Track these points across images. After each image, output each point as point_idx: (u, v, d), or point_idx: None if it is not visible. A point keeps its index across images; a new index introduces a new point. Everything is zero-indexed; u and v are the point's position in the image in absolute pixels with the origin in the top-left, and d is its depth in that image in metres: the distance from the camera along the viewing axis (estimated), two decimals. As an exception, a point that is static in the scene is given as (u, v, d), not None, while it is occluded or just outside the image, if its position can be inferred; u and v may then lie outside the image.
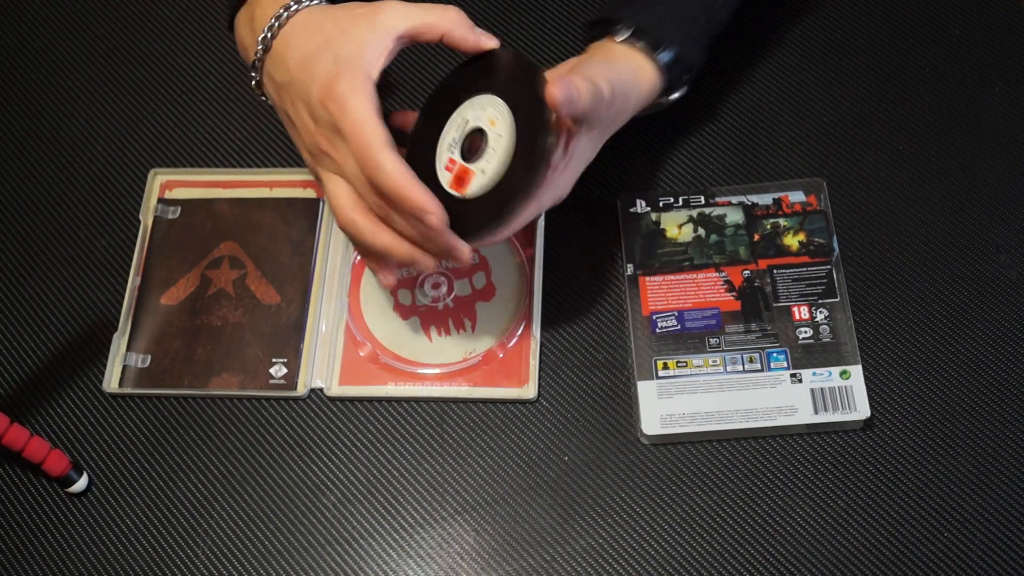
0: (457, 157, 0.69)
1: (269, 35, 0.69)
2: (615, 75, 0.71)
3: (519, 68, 0.68)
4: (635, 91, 0.73)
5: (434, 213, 0.64)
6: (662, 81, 0.75)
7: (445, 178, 0.69)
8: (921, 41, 0.87)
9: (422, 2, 0.69)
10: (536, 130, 0.65)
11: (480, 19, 0.90)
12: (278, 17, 0.69)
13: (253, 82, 0.73)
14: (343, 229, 0.70)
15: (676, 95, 0.78)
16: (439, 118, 0.70)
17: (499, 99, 0.68)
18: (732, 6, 0.78)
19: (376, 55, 0.67)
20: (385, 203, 0.66)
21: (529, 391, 0.75)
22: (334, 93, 0.65)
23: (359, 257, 0.81)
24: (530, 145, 0.65)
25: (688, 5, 0.75)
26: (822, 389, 0.74)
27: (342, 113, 0.65)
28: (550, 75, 0.66)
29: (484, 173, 0.67)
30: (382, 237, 0.68)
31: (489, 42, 0.69)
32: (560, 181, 0.71)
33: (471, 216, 0.68)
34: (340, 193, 0.68)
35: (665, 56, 0.74)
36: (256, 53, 0.70)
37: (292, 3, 0.69)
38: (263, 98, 0.74)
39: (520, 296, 0.79)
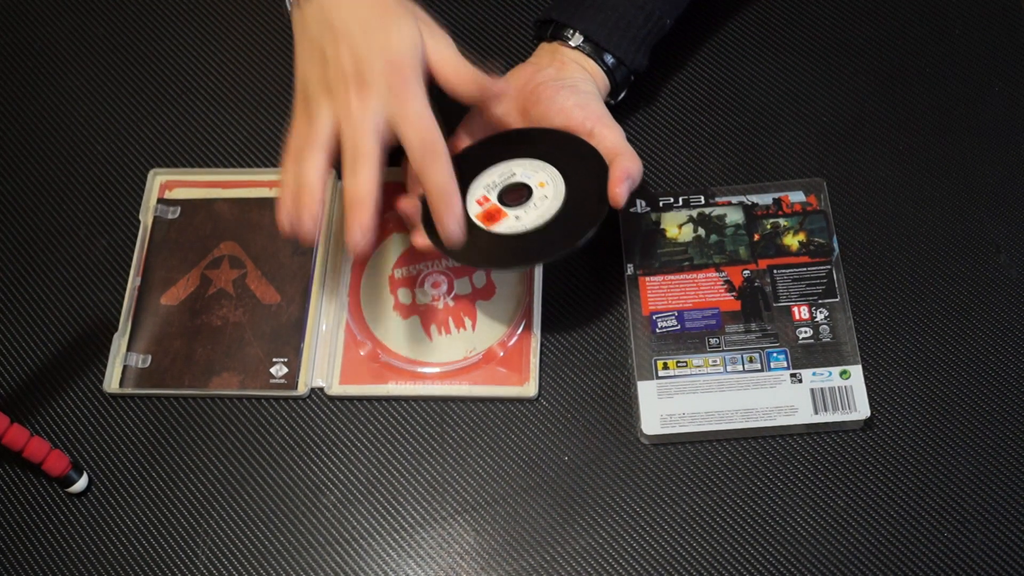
0: (493, 198, 0.73)
1: None
2: (590, 109, 0.75)
3: (591, 158, 0.73)
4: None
5: (455, 224, 0.70)
6: (608, 85, 0.80)
7: (474, 209, 0.73)
8: (921, 41, 0.87)
9: None
10: (587, 224, 0.71)
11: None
12: None
13: (289, 4, 0.74)
14: (295, 147, 0.71)
15: (618, 99, 0.83)
16: (481, 162, 0.76)
17: (557, 171, 0.74)
18: (676, 13, 0.82)
19: (425, 61, 0.71)
20: (369, 157, 0.68)
21: (530, 389, 0.75)
22: (403, 74, 0.69)
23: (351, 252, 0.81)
24: (574, 230, 0.71)
25: (631, 14, 0.79)
26: (822, 389, 0.74)
27: (407, 96, 0.68)
28: (612, 168, 0.72)
29: (519, 219, 0.72)
30: (309, 165, 0.69)
31: (498, 86, 0.73)
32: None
33: (483, 246, 0.72)
34: (324, 122, 0.69)
35: (610, 60, 0.79)
36: None
37: None
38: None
39: (520, 294, 0.79)
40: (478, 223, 0.73)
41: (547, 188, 0.73)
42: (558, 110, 0.75)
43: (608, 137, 0.74)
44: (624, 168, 0.72)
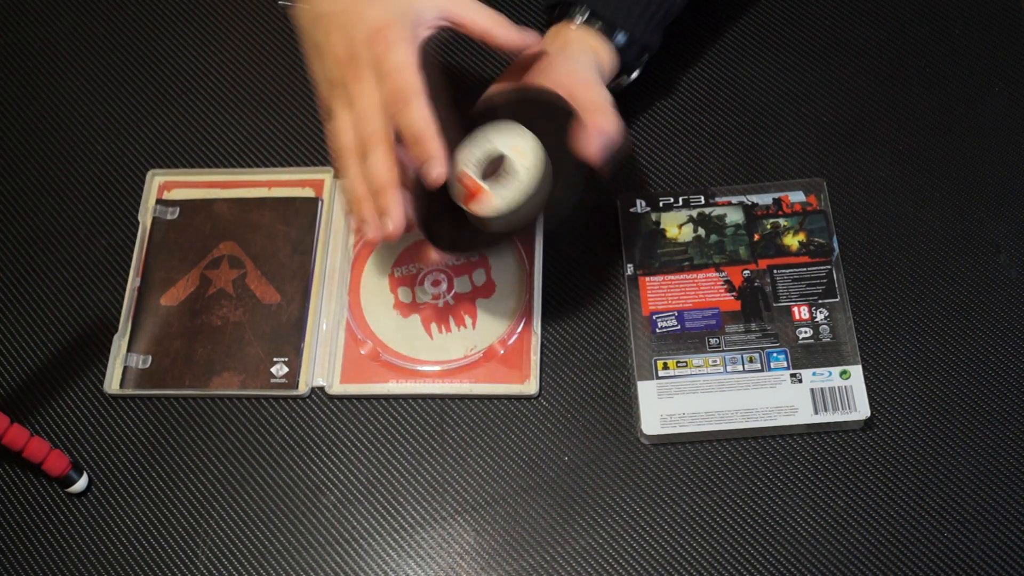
0: (475, 174, 0.70)
1: None
2: (578, 75, 0.74)
3: (560, 112, 0.70)
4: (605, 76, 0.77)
5: (439, 166, 0.66)
6: (617, 63, 0.78)
7: (456, 189, 0.71)
8: (921, 41, 0.87)
9: None
10: (569, 188, 0.69)
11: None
12: None
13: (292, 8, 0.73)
14: (336, 161, 0.70)
15: (632, 76, 0.81)
16: (465, 131, 0.72)
17: (531, 135, 0.70)
18: None
19: (423, 20, 0.69)
20: (377, 139, 0.67)
21: (531, 387, 0.75)
22: (384, 36, 0.67)
23: (358, 251, 0.81)
24: (558, 201, 0.70)
25: None
26: (822, 389, 0.74)
27: (387, 54, 0.67)
28: (579, 122, 0.70)
29: (502, 199, 0.70)
30: (378, 161, 0.68)
31: (527, 38, 0.72)
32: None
33: (469, 235, 0.71)
34: (347, 128, 0.69)
35: (620, 38, 0.77)
36: None
37: None
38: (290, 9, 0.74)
39: (520, 292, 0.79)
40: (459, 204, 0.71)
41: (527, 159, 0.70)
42: (547, 80, 0.73)
43: (587, 96, 0.72)
44: (597, 124, 0.70)
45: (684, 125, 0.85)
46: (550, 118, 0.71)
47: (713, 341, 0.76)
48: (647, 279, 0.78)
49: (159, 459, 0.75)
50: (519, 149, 0.70)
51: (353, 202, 0.69)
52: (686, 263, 0.79)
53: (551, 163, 0.70)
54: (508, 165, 0.70)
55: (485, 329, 0.78)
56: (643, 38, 0.78)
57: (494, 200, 0.70)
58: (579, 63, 0.75)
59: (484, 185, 0.70)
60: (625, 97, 0.83)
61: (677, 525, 0.72)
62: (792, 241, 0.79)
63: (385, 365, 0.77)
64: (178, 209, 0.83)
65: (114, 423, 0.77)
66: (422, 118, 0.66)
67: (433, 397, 0.76)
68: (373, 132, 0.67)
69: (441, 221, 0.74)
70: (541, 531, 0.72)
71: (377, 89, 0.67)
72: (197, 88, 0.89)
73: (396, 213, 0.68)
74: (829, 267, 0.78)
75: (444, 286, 0.80)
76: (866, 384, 0.74)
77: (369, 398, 0.77)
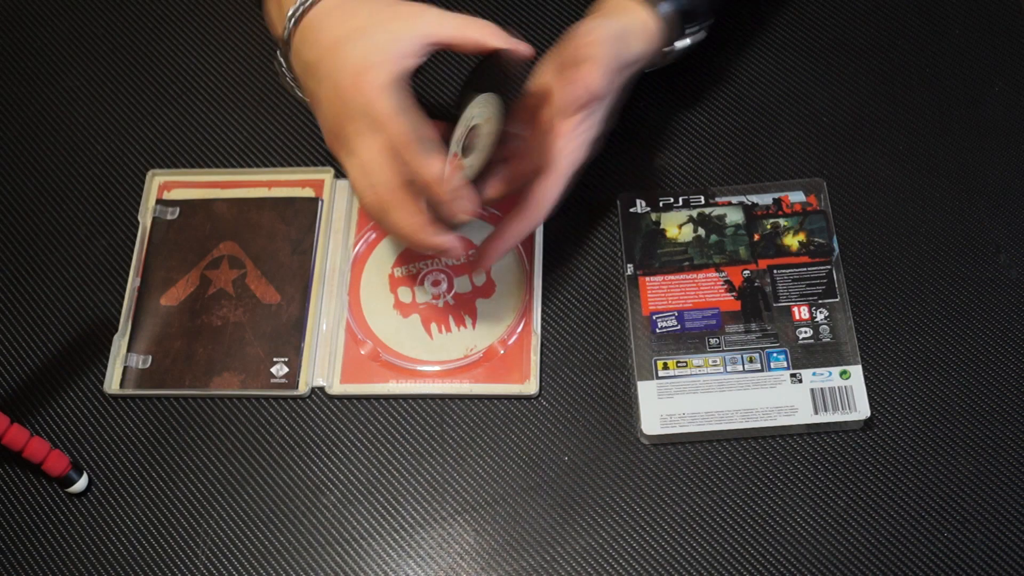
0: (459, 152, 0.70)
1: (301, 10, 0.70)
2: (611, 30, 0.73)
3: (511, 65, 0.69)
4: (636, 46, 0.75)
5: (460, 208, 0.67)
6: (663, 32, 0.76)
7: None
8: (921, 41, 0.87)
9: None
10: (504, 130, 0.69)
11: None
12: None
13: (280, 56, 0.73)
14: (366, 209, 0.70)
15: (683, 44, 0.79)
16: (454, 112, 0.72)
17: (496, 96, 0.69)
18: None
19: (408, 51, 0.67)
20: (389, 201, 0.67)
21: (531, 387, 0.75)
22: (367, 81, 0.66)
23: (358, 251, 0.81)
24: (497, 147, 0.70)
25: None
26: (822, 389, 0.74)
27: (374, 104, 0.66)
28: (554, 55, 0.70)
29: (470, 167, 0.70)
30: (401, 217, 0.68)
31: (521, 48, 0.69)
32: (576, 145, 0.73)
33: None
34: (360, 177, 0.69)
35: (664, 7, 0.75)
36: (286, 29, 0.71)
37: None
38: (288, 76, 0.74)
39: (520, 292, 0.79)
40: None
41: (489, 123, 0.70)
42: (568, 43, 0.73)
43: (589, 47, 0.71)
44: (580, 77, 0.70)
45: (684, 125, 0.85)
46: (489, 68, 0.70)
47: (713, 341, 0.76)
48: (647, 279, 0.78)
49: (159, 459, 0.75)
50: (485, 116, 0.70)
51: (407, 237, 0.70)
52: (686, 263, 0.79)
53: (505, 108, 0.70)
54: (477, 131, 0.70)
55: (485, 329, 0.78)
56: (691, 4, 0.77)
57: (464, 171, 0.70)
58: (600, 24, 0.73)
59: (464, 161, 0.70)
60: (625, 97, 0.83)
61: (677, 525, 0.72)
62: (792, 241, 0.79)
63: (385, 365, 0.77)
64: (178, 209, 0.83)
65: (114, 423, 0.77)
66: (426, 166, 0.66)
67: (433, 397, 0.76)
68: (383, 185, 0.67)
69: None
70: (541, 531, 0.72)
71: (374, 137, 0.67)
72: (197, 88, 0.89)
73: (451, 242, 0.69)
74: (829, 267, 0.78)
75: (444, 286, 0.80)
76: (866, 384, 0.74)
77: (369, 398, 0.77)
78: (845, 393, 0.74)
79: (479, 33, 0.68)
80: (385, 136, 0.66)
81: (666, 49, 0.78)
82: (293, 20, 0.70)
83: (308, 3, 0.70)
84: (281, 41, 0.72)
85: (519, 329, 0.77)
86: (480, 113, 0.70)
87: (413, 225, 0.68)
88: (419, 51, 0.67)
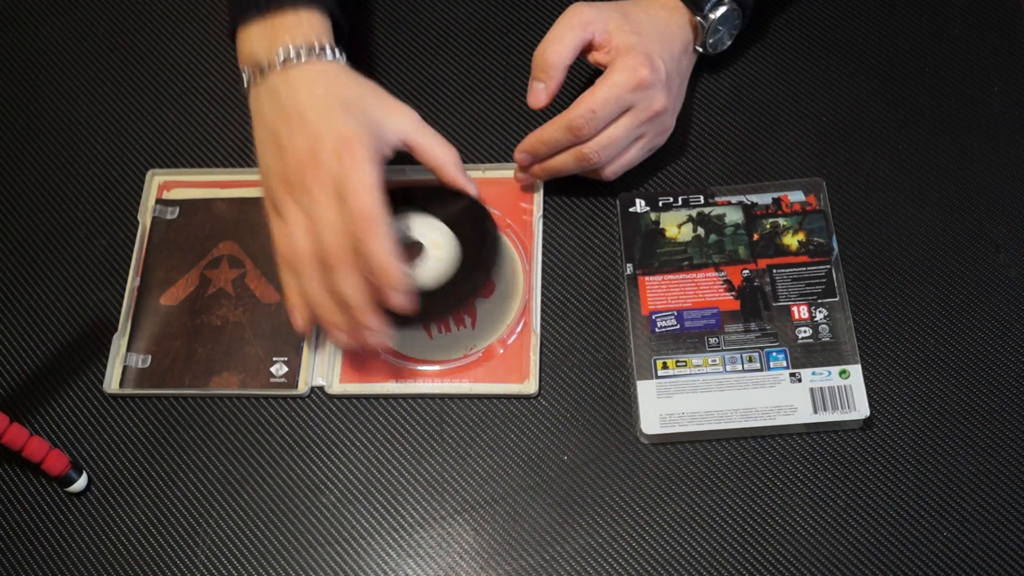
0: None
1: (294, 58, 0.71)
2: (653, 24, 0.77)
3: (485, 222, 0.74)
4: (679, 36, 0.79)
5: (402, 298, 0.68)
6: (695, 22, 0.79)
7: None
8: (921, 41, 0.87)
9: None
10: (477, 274, 0.74)
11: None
12: (309, 50, 0.71)
13: (246, 82, 0.74)
14: (285, 262, 0.71)
15: (716, 34, 0.81)
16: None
17: (451, 232, 0.75)
18: None
19: (390, 142, 0.71)
20: (344, 262, 0.68)
21: (530, 386, 0.75)
22: (352, 148, 0.68)
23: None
24: (462, 298, 0.75)
25: None
26: (821, 389, 0.74)
27: (353, 172, 0.67)
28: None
29: (419, 277, 0.73)
30: (349, 282, 0.69)
31: (470, 188, 0.74)
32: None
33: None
34: (300, 233, 0.69)
35: None
36: (270, 66, 0.71)
37: (327, 48, 0.71)
38: (243, 86, 0.75)
39: (519, 293, 0.79)
40: None
41: (442, 251, 0.74)
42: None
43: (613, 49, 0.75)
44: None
45: (684, 125, 0.85)
46: (469, 214, 0.75)
47: (712, 341, 0.76)
48: (646, 279, 0.78)
49: (159, 459, 0.75)
50: (437, 242, 0.74)
51: (318, 308, 0.70)
52: (685, 263, 0.79)
53: (464, 255, 0.74)
54: (424, 254, 0.74)
55: (484, 329, 0.78)
56: None
57: (410, 275, 0.72)
58: (623, 15, 0.76)
59: (415, 264, 0.73)
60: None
61: (676, 524, 0.72)
62: (791, 241, 0.79)
63: (384, 365, 0.77)
64: (178, 209, 0.83)
65: (114, 423, 0.77)
66: (385, 250, 0.67)
67: (432, 397, 0.76)
68: (336, 247, 0.68)
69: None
70: (541, 531, 0.72)
71: (338, 204, 0.67)
72: (197, 88, 0.89)
73: (381, 327, 0.70)
74: (828, 267, 0.78)
75: (444, 286, 0.80)
76: (865, 384, 0.74)
77: (368, 398, 0.77)
78: (844, 392, 0.74)
79: (442, 158, 0.73)
80: (352, 209, 0.67)
81: (699, 19, 0.79)
82: (283, 61, 0.71)
83: (304, 56, 0.70)
84: (251, 63, 0.72)
85: (518, 329, 0.77)
86: (423, 233, 0.74)
87: (360, 295, 0.68)
88: (396, 145, 0.72)
